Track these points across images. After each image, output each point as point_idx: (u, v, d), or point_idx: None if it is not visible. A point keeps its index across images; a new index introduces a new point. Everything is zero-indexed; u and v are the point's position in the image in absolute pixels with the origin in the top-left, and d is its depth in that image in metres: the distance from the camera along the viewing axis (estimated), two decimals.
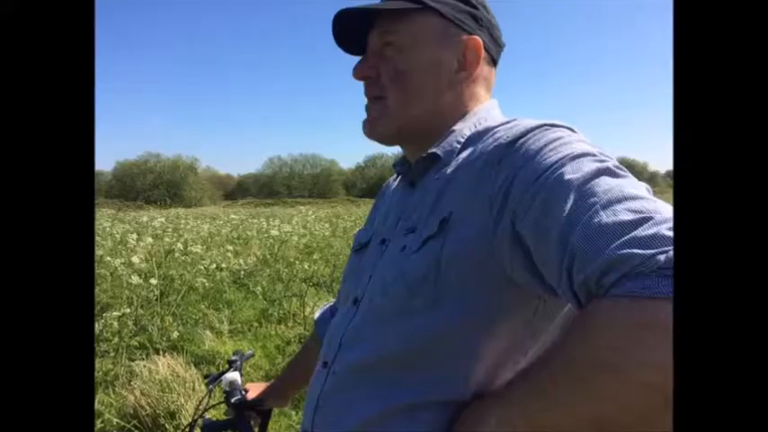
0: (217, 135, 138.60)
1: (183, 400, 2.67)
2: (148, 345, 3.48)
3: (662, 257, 0.40)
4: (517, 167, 0.56)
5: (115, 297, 3.89)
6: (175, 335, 3.59)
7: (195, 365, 3.28)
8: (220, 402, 1.11)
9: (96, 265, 4.15)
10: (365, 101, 0.75)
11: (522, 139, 0.58)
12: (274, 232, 7.20)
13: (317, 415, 0.69)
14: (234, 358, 1.16)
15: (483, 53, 0.71)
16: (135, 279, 3.76)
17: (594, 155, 0.53)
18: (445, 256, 0.59)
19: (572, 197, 0.49)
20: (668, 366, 0.37)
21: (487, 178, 0.58)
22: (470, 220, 0.58)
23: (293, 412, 2.67)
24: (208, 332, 3.92)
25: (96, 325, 3.33)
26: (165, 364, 3.01)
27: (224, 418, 1.06)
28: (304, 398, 0.75)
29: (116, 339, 3.33)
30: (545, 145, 0.56)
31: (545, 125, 0.59)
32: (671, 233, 0.41)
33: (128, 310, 3.50)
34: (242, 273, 5.80)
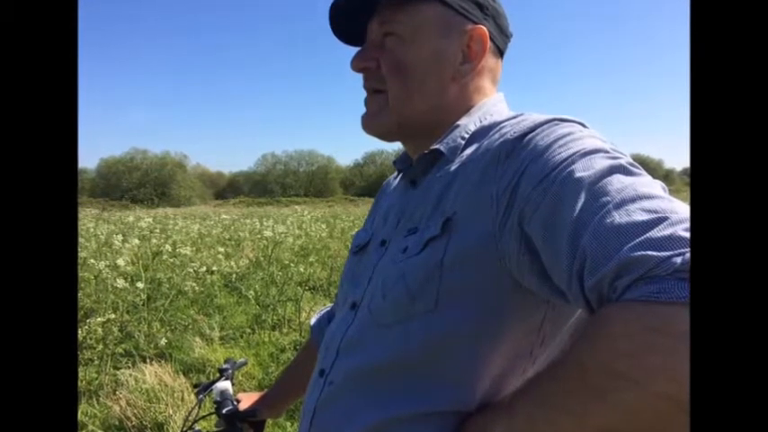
0: (207, 130, 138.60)
1: (171, 411, 2.67)
2: (135, 352, 3.48)
3: (678, 260, 0.40)
4: (525, 164, 0.56)
5: (99, 302, 3.89)
6: (163, 342, 3.59)
7: (184, 374, 3.28)
8: (211, 413, 1.11)
9: (79, 268, 4.15)
10: (364, 94, 0.75)
11: (530, 135, 0.58)
12: (268, 233, 7.21)
13: (313, 426, 0.69)
14: (225, 366, 1.16)
15: (489, 43, 0.71)
16: (120, 283, 3.76)
17: (607, 151, 0.53)
18: (449, 259, 0.59)
19: (583, 196, 0.49)
20: (684, 375, 0.37)
21: (493, 176, 0.58)
22: (475, 220, 0.58)
23: (288, 423, 2.67)
24: (197, 339, 3.92)
25: (79, 331, 3.33)
26: (152, 373, 3.01)
27: (215, 430, 1.06)
28: (299, 408, 0.75)
29: (100, 346, 3.33)
30: (555, 141, 0.56)
31: (555, 120, 0.59)
32: (687, 234, 0.41)
33: (113, 316, 3.49)
34: (234, 276, 5.81)
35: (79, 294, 3.87)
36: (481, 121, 0.70)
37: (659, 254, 0.41)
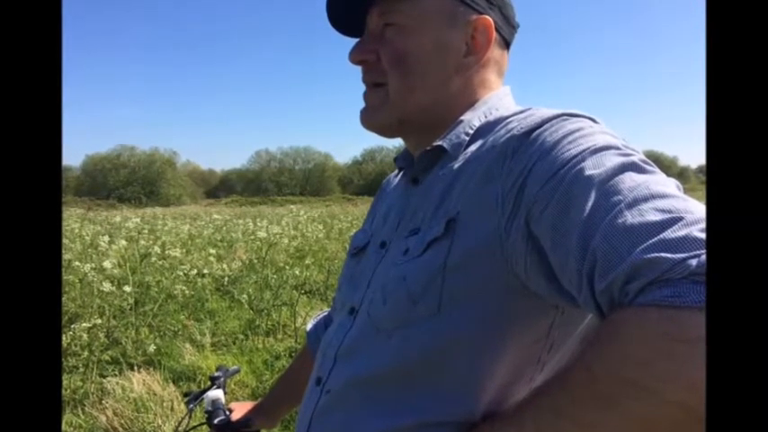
0: (198, 126, 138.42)
1: (160, 421, 2.67)
2: (122, 359, 3.48)
3: (693, 262, 0.40)
4: (532, 161, 0.56)
5: (85, 306, 3.89)
6: (152, 348, 3.59)
7: (174, 382, 3.28)
8: (202, 423, 1.11)
9: (64, 270, 4.15)
10: (363, 87, 0.75)
11: (537, 131, 0.58)
12: (262, 234, 7.20)
13: None
14: (217, 374, 1.16)
15: (494, 34, 0.71)
16: (107, 286, 3.76)
17: (618, 148, 0.53)
18: (452, 261, 0.59)
19: (593, 195, 0.49)
20: (700, 383, 0.37)
21: (499, 174, 0.58)
22: (480, 220, 0.58)
23: None
24: (188, 345, 3.92)
25: (64, 337, 3.33)
26: (140, 381, 3.02)
27: None
28: (295, 418, 0.75)
29: (86, 353, 3.33)
30: (564, 137, 0.56)
31: (563, 115, 0.59)
32: (703, 235, 0.41)
33: (99, 321, 3.50)
34: (226, 279, 5.81)
35: (63, 298, 3.88)
36: (486, 117, 0.70)
37: (673, 256, 0.41)
